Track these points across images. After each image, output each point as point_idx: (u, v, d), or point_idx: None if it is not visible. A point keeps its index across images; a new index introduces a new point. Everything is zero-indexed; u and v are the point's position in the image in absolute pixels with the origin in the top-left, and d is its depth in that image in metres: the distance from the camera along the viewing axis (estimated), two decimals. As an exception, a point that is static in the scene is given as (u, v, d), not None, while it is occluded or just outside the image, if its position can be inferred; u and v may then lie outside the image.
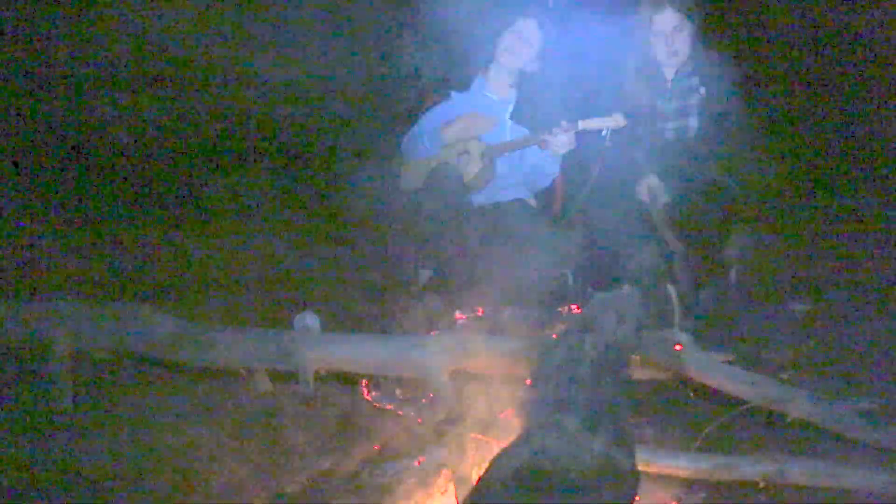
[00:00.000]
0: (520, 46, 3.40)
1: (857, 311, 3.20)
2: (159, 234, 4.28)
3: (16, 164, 4.42)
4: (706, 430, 2.22)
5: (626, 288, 2.32)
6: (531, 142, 3.39)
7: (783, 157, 4.88)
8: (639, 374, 2.27)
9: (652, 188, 3.10)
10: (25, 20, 4.64)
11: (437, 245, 3.21)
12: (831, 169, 4.82)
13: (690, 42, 3.23)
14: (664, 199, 3.10)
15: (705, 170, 3.17)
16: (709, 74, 3.23)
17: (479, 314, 2.83)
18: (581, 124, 3.25)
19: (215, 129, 5.08)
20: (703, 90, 3.24)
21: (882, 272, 3.54)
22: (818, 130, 5.04)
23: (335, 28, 4.84)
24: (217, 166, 5.04)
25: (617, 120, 3.18)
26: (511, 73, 3.47)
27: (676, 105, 3.28)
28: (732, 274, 3.27)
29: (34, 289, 3.23)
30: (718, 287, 3.21)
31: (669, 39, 3.20)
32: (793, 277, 3.63)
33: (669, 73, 3.30)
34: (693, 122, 3.25)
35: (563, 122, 3.27)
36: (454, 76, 3.54)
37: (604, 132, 3.21)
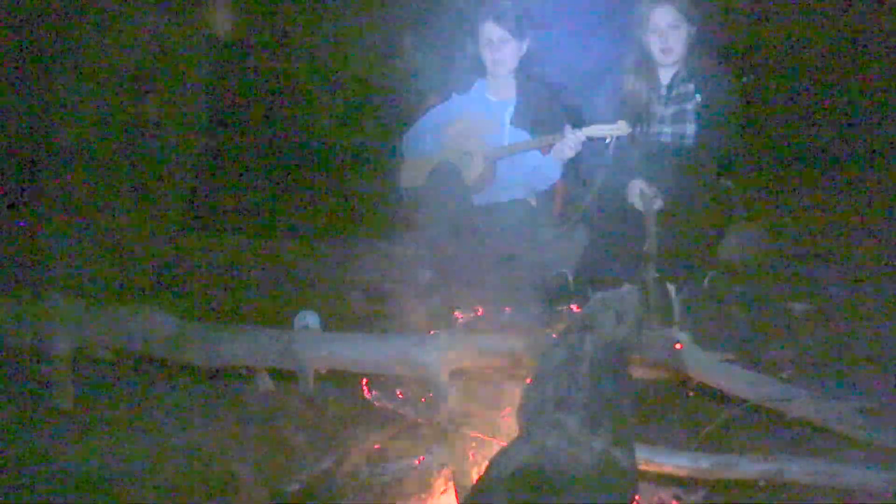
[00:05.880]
0: (495, 51, 3.39)
1: (857, 311, 3.19)
2: (160, 233, 4.28)
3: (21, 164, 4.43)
4: (706, 430, 2.22)
5: (626, 287, 2.31)
6: (535, 146, 3.38)
7: (783, 157, 4.89)
8: (639, 373, 2.27)
9: (644, 192, 3.09)
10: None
11: (437, 244, 3.21)
12: (831, 168, 4.81)
13: (686, 43, 3.21)
14: (658, 203, 3.09)
15: (703, 174, 3.17)
16: (705, 81, 3.22)
17: (479, 314, 2.83)
18: (586, 131, 3.23)
19: (214, 129, 5.08)
20: (698, 97, 3.23)
21: (882, 272, 3.54)
22: (818, 130, 5.03)
23: (335, 28, 4.84)
24: (217, 166, 5.04)
25: (621, 128, 3.17)
26: (508, 74, 3.46)
27: (673, 110, 3.27)
28: (706, 280, 3.24)
29: (34, 289, 3.23)
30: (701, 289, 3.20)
31: (664, 36, 3.19)
32: (793, 277, 3.63)
33: (665, 77, 3.29)
34: (690, 129, 3.24)
35: (568, 128, 3.26)
36: (456, 78, 3.54)
37: (608, 140, 3.20)
